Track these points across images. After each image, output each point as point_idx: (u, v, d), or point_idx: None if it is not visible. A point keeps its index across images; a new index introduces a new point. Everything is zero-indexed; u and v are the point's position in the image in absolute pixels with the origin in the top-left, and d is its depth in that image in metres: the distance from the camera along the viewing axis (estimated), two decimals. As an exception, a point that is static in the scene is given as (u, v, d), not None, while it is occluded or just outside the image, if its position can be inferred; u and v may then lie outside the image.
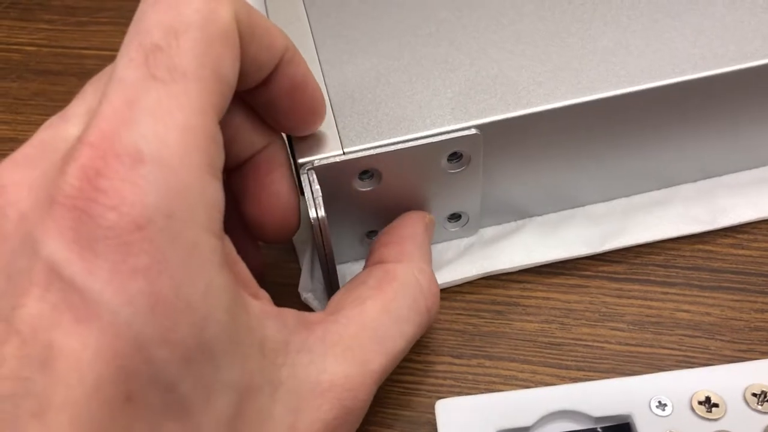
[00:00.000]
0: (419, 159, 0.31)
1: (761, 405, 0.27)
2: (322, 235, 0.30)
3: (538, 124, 0.31)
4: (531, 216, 0.36)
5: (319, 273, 0.35)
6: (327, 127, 0.31)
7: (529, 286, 0.33)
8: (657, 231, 0.34)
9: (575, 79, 0.32)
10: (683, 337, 0.31)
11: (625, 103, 0.31)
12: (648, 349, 0.31)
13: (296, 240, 0.35)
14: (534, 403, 0.27)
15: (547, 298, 0.33)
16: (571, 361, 0.31)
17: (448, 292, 0.33)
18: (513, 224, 0.36)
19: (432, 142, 0.30)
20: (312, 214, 0.29)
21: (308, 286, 0.33)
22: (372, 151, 0.30)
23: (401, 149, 0.30)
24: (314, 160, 0.30)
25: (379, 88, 0.32)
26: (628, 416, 0.27)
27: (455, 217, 0.34)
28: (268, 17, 0.36)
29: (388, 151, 0.30)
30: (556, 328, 0.32)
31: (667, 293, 0.33)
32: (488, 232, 0.36)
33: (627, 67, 0.32)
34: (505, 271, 0.34)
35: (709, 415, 0.27)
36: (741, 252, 0.34)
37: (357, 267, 0.35)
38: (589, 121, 0.32)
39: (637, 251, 0.34)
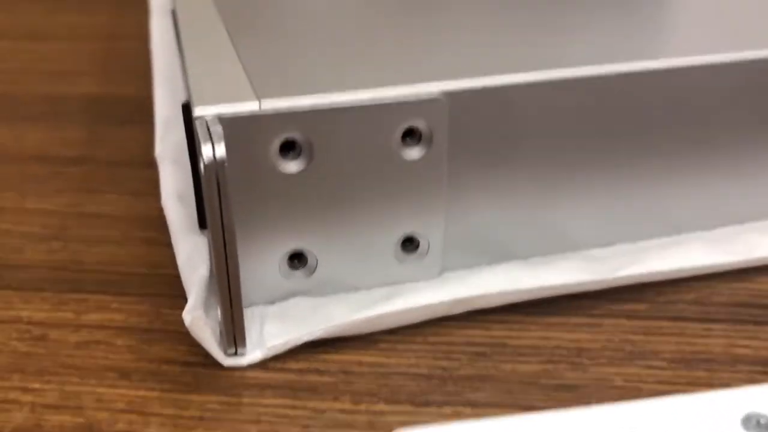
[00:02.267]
0: (364, 129, 0.23)
1: None
2: (220, 191, 0.20)
3: (525, 106, 0.24)
4: (511, 259, 0.27)
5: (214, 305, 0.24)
6: (233, 75, 0.23)
7: (517, 326, 0.23)
8: (681, 260, 0.25)
9: (581, 51, 0.25)
10: (754, 374, 0.21)
11: (638, 91, 0.25)
12: (706, 389, 0.21)
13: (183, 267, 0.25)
14: (560, 429, 0.16)
15: (546, 338, 0.23)
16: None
17: (403, 333, 0.23)
18: (488, 267, 0.26)
19: (380, 104, 0.22)
20: (206, 153, 0.20)
21: (199, 306, 0.22)
22: (300, 108, 0.22)
23: (340, 107, 0.22)
24: (220, 114, 0.21)
25: (309, 43, 0.26)
26: (713, 442, 0.16)
27: (410, 243, 0.25)
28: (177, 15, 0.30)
29: (322, 108, 0.22)
30: (566, 369, 0.21)
31: (711, 329, 0.23)
32: (455, 276, 0.26)
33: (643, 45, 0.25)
34: (484, 304, 0.24)
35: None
36: (795, 289, 0.25)
37: (273, 311, 0.24)
38: (593, 116, 0.25)
39: (658, 290, 0.25)
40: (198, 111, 0.21)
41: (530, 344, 0.22)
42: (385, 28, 0.29)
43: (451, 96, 0.23)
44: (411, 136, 0.23)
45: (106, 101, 0.45)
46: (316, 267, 0.24)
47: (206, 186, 0.20)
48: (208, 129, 0.20)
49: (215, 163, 0.19)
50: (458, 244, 0.26)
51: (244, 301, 0.24)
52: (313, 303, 0.24)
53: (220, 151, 0.20)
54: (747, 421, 0.17)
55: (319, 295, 0.25)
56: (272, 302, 0.24)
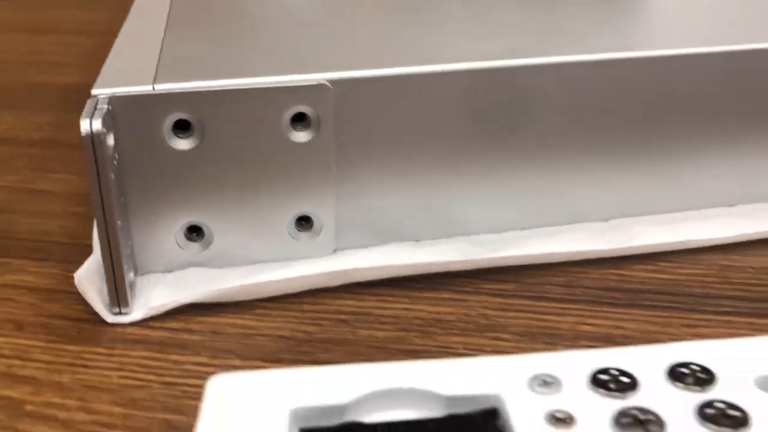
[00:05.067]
0: (252, 111, 0.25)
1: (684, 383, 0.18)
2: (97, 161, 0.22)
3: (410, 95, 0.26)
4: (403, 240, 0.28)
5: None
6: (146, 59, 0.26)
7: (389, 298, 0.25)
8: (555, 246, 0.27)
9: (465, 44, 0.27)
10: (589, 348, 0.22)
11: (524, 83, 0.26)
12: (539, 359, 0.22)
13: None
14: (356, 378, 0.18)
15: (410, 310, 0.25)
16: (431, 367, 0.22)
17: (282, 302, 0.25)
18: (378, 247, 0.28)
19: (267, 88, 0.24)
20: (84, 127, 0.22)
21: (93, 270, 0.25)
22: (188, 90, 0.24)
23: (226, 90, 0.24)
24: (114, 93, 0.24)
25: (233, 33, 0.29)
26: (495, 397, 0.18)
27: (306, 222, 0.27)
28: None
29: (208, 91, 0.24)
30: (417, 337, 0.23)
31: (567, 309, 0.24)
32: (346, 254, 0.28)
33: (532, 41, 0.27)
34: (359, 278, 0.26)
35: (614, 392, 0.18)
36: (663, 276, 0.26)
37: (168, 279, 0.26)
38: (478, 107, 0.26)
39: (533, 272, 0.26)
40: (94, 91, 0.24)
41: (393, 314, 0.24)
42: (309, 19, 0.31)
43: (337, 84, 0.25)
44: (302, 120, 0.25)
45: (86, 91, 0.48)
46: (212, 240, 0.26)
47: (86, 156, 0.22)
48: (96, 106, 0.23)
49: (91, 135, 0.22)
50: (351, 224, 0.28)
51: (142, 268, 0.27)
52: (207, 273, 0.26)
53: (97, 124, 0.22)
54: (533, 380, 0.18)
55: (216, 267, 0.27)
56: (169, 271, 0.26)
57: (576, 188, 0.29)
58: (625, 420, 0.17)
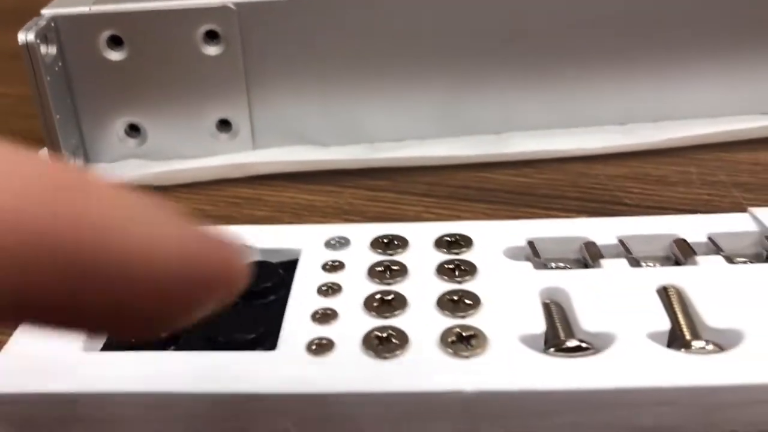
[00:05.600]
0: (169, 28, 0.30)
1: (444, 248, 0.22)
2: (33, 66, 0.28)
3: (311, 15, 0.30)
4: (315, 144, 0.33)
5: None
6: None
7: (279, 188, 0.30)
8: (430, 149, 0.31)
9: None
10: (419, 230, 0.27)
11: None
12: (375, 236, 0.27)
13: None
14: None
15: (294, 198, 0.30)
16: (286, 238, 0.27)
17: (197, 188, 0.31)
18: (289, 147, 0.33)
19: (179, 9, 0.30)
20: (20, 37, 0.28)
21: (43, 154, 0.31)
22: (116, 10, 0.29)
23: (146, 10, 0.30)
24: (57, 13, 0.29)
25: None
26: (297, 251, 0.23)
27: (227, 124, 0.32)
28: None
29: (132, 11, 0.29)
30: (287, 217, 0.28)
31: (421, 201, 0.29)
32: (261, 152, 0.33)
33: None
34: (257, 171, 0.31)
35: (387, 252, 0.22)
36: (520, 179, 0.30)
37: (111, 166, 0.32)
38: (374, 24, 0.31)
39: (409, 173, 0.31)
40: (43, 11, 0.29)
41: (277, 201, 0.30)
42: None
43: (241, 6, 0.30)
44: (215, 37, 0.30)
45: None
46: (147, 137, 0.32)
47: (24, 62, 0.28)
48: (36, 23, 0.28)
49: (26, 45, 0.28)
50: (267, 128, 0.33)
51: (94, 159, 0.33)
52: (142, 163, 0.32)
53: (31, 36, 0.28)
54: (329, 241, 0.23)
55: (152, 160, 0.33)
56: (114, 162, 0.33)
57: (470, 102, 0.33)
58: (378, 268, 0.21)
